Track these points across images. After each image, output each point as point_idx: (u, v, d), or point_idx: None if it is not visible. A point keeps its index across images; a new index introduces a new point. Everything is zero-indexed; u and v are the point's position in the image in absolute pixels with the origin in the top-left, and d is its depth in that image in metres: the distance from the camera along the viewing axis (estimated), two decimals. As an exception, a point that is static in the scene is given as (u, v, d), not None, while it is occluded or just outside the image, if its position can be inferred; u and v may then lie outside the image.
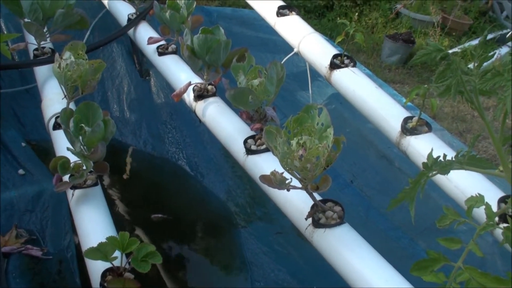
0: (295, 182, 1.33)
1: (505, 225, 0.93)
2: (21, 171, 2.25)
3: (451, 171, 1.64)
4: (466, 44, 6.51)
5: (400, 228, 2.29)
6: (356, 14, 6.58)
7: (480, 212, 1.13)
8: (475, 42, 6.57)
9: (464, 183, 1.50)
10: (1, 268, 1.05)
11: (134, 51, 2.90)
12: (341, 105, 2.76)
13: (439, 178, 1.61)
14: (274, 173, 1.30)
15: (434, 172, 1.05)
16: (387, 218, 2.29)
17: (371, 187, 2.47)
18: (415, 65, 5.97)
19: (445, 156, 1.04)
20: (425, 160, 1.00)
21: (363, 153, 2.61)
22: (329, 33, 6.12)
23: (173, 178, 2.64)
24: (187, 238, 2.30)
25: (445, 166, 1.06)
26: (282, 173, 1.29)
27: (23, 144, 2.37)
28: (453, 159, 1.04)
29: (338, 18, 6.45)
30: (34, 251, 2.00)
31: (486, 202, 0.96)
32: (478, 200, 0.98)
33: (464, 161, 1.04)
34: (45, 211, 2.14)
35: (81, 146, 1.56)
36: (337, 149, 1.31)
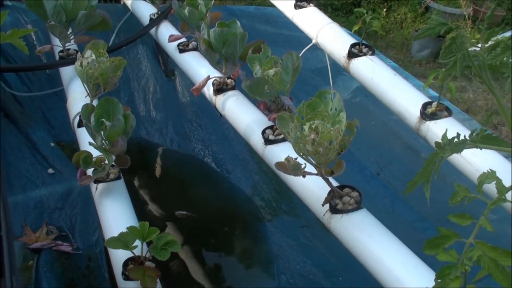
0: (311, 169, 1.33)
1: (517, 199, 0.91)
2: (50, 170, 2.31)
3: (473, 156, 1.62)
4: (500, 36, 6.36)
5: (428, 219, 2.26)
6: (384, 9, 6.52)
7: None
8: (508, 34, 6.42)
9: (485, 166, 1.47)
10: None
11: (158, 52, 2.95)
12: (366, 98, 2.74)
13: (460, 163, 1.58)
14: (288, 158, 1.30)
15: (448, 153, 1.04)
16: (414, 209, 2.26)
17: (397, 178, 2.44)
18: (447, 58, 5.87)
19: (458, 135, 1.03)
20: (445, 144, 0.99)
21: (389, 145, 2.58)
22: (357, 30, 6.07)
23: (199, 175, 2.67)
24: (213, 233, 2.32)
25: (458, 145, 1.04)
26: (296, 158, 1.29)
27: (52, 144, 2.43)
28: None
29: (366, 15, 6.37)
30: (64, 247, 2.06)
31: (497, 177, 0.95)
32: (489, 176, 0.96)
33: (478, 140, 1.03)
34: (74, 208, 2.19)
35: (102, 141, 1.60)
36: (350, 133, 1.31)
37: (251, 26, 3.35)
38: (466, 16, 6.32)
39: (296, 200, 2.24)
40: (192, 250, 2.25)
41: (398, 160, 2.50)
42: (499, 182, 0.94)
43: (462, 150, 1.03)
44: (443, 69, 1.59)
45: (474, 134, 1.02)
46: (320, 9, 2.25)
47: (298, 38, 3.27)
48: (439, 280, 0.99)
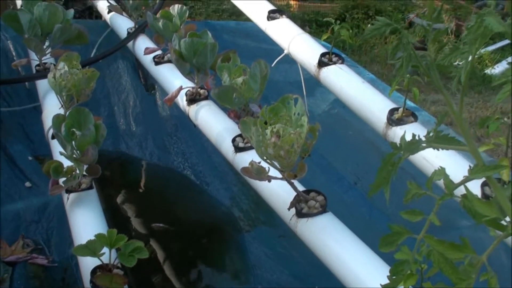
0: (276, 173, 1.35)
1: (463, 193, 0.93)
2: (27, 184, 2.32)
3: (439, 161, 1.64)
4: (482, 50, 6.45)
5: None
6: (369, 25, 6.59)
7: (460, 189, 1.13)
8: (491, 48, 6.51)
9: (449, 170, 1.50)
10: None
11: (138, 66, 2.97)
12: (343, 109, 2.76)
13: (428, 168, 1.61)
14: (251, 163, 1.32)
15: (405, 153, 1.07)
16: (390, 218, 2.27)
17: (374, 187, 2.45)
18: (430, 78, 5.92)
19: (414, 136, 1.05)
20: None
21: (366, 155, 2.60)
22: (342, 46, 6.14)
23: (179, 187, 2.68)
24: (191, 244, 2.32)
25: (411, 145, 1.07)
26: (259, 162, 1.31)
27: (30, 158, 2.44)
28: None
29: (351, 31, 6.45)
30: (40, 260, 2.05)
31: (445, 173, 0.97)
32: (438, 172, 0.99)
33: (432, 140, 1.05)
34: (51, 222, 2.19)
35: (73, 150, 1.60)
36: (313, 137, 1.33)
37: (232, 41, 3.38)
38: (449, 31, 6.42)
39: (274, 211, 2.26)
40: (170, 262, 2.25)
41: (375, 169, 2.49)
42: (446, 178, 0.96)
43: (417, 151, 1.05)
44: (408, 75, 1.62)
45: (430, 135, 1.05)
46: (305, 25, 2.28)
47: (278, 51, 3.30)
48: (393, 277, 1.00)
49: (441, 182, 1.14)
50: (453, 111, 1.02)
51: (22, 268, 1.99)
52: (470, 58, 0.94)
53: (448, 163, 1.54)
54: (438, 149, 1.07)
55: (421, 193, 0.98)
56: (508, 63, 1.06)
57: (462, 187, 1.00)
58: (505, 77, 1.01)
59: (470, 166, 0.96)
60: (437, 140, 1.05)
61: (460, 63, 1.02)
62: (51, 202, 2.23)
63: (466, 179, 0.96)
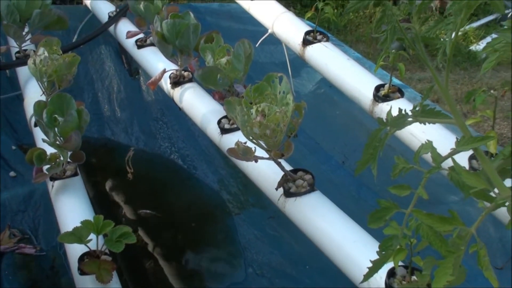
0: (262, 153, 1.33)
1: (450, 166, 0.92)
2: (12, 173, 2.28)
3: (426, 136, 1.63)
4: (467, 27, 6.44)
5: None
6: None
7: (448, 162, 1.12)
8: (475, 24, 6.50)
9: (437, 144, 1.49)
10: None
11: (121, 51, 2.92)
12: (330, 89, 2.74)
13: (415, 144, 1.60)
14: (237, 143, 1.30)
15: (391, 128, 1.06)
16: (379, 195, 2.27)
17: (362, 166, 2.44)
18: (415, 50, 5.91)
19: (400, 111, 1.04)
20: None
21: (354, 134, 2.59)
22: (327, 26, 6.10)
23: (166, 172, 2.65)
24: (181, 228, 2.31)
25: (398, 120, 1.06)
26: (245, 142, 1.29)
27: (14, 147, 2.40)
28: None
29: (335, 10, 6.47)
30: (27, 249, 2.03)
31: (432, 147, 0.96)
32: (425, 146, 0.97)
33: (419, 114, 1.04)
34: (37, 210, 2.16)
35: (56, 137, 1.58)
36: (299, 115, 1.31)
37: (216, 23, 3.33)
38: (434, 8, 6.39)
39: (263, 192, 2.24)
40: (160, 247, 2.23)
41: (362, 148, 2.50)
42: (434, 151, 0.95)
43: (404, 125, 1.04)
44: (393, 50, 1.61)
45: (416, 109, 1.03)
46: (289, 6, 2.25)
47: (262, 32, 3.27)
48: (383, 252, 1.00)
49: (428, 157, 1.13)
50: (438, 84, 1.01)
51: (10, 258, 1.97)
52: (455, 30, 0.93)
53: (436, 137, 1.52)
54: (424, 124, 1.06)
55: (408, 167, 0.96)
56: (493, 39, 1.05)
57: (449, 160, 0.99)
58: (490, 46, 1.00)
59: (457, 139, 0.95)
60: (424, 114, 1.04)
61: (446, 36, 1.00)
62: (36, 190, 2.20)
63: (454, 152, 0.95)
